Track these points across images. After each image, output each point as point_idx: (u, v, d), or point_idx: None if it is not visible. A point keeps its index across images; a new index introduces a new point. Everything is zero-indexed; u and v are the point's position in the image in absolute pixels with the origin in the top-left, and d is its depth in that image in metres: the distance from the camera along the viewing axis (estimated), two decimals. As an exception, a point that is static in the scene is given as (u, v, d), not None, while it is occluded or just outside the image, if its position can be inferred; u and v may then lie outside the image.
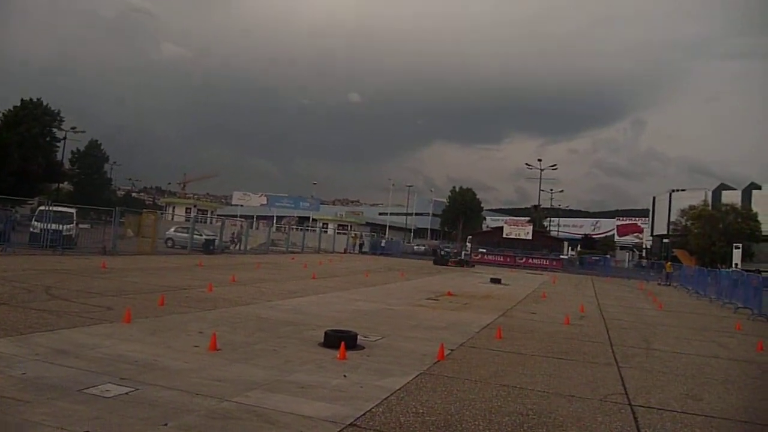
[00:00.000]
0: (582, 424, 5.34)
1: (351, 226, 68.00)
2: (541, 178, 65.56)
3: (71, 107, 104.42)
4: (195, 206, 66.27)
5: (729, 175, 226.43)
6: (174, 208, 64.60)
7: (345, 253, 47.45)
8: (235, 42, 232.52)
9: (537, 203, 79.37)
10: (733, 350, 10.77)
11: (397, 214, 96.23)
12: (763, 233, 56.49)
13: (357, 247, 51.85)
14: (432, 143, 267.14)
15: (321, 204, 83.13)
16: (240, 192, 73.93)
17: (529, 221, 65.28)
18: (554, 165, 66.24)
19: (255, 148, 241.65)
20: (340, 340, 7.63)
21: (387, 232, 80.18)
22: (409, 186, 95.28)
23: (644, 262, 59.81)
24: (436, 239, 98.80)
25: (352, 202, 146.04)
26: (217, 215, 64.15)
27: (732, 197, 64.44)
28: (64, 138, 56.40)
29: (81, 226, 24.87)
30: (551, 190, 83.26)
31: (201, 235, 31.23)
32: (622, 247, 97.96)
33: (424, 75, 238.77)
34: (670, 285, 33.35)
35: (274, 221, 65.70)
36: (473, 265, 40.35)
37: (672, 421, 5.65)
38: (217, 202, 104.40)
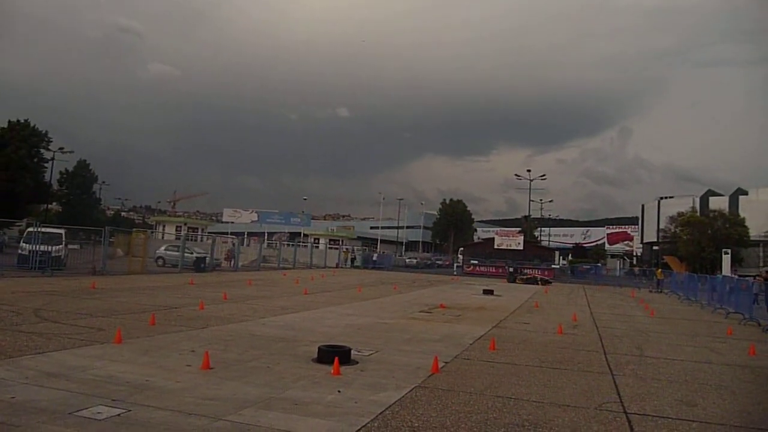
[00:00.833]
0: (578, 434, 5.34)
1: (342, 241, 67.84)
2: (530, 189, 65.79)
3: (59, 128, 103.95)
4: (185, 224, 65.91)
5: (715, 182, 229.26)
6: (164, 226, 64.17)
7: (337, 267, 47.31)
8: (222, 60, 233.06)
9: (527, 213, 79.69)
10: (726, 355, 10.82)
11: (389, 227, 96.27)
12: (752, 238, 57.05)
13: (349, 262, 51.73)
14: (421, 156, 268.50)
15: (312, 219, 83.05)
16: (230, 209, 73.73)
17: (519, 232, 65.43)
18: (543, 175, 66.57)
19: (244, 165, 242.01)
20: (333, 355, 7.58)
21: (378, 246, 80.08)
22: (400, 199, 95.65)
23: (636, 269, 60.08)
24: (427, 252, 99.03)
25: (343, 216, 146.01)
26: (208, 233, 63.84)
27: (719, 203, 65.11)
28: (52, 158, 56.12)
29: (70, 246, 24.65)
30: (541, 200, 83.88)
31: (192, 253, 31.02)
32: (613, 256, 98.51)
33: (411, 89, 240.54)
34: (661, 292, 33.53)
35: (265, 237, 65.45)
36: (549, 282, 36.94)
37: (667, 428, 5.66)
38: (207, 220, 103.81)
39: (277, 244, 51.02)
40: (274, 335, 10.14)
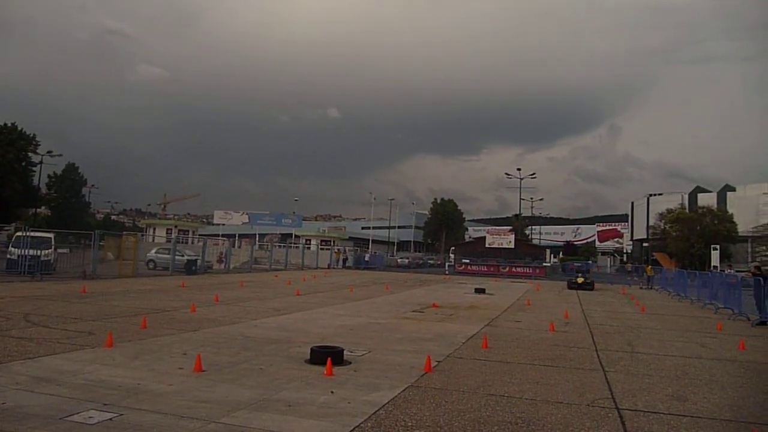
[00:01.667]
0: (571, 430, 5.37)
1: (334, 242, 67.68)
2: (521, 187, 66.22)
3: (47, 130, 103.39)
4: (176, 227, 65.52)
5: (704, 178, 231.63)
6: (155, 229, 63.73)
7: (329, 268, 47.24)
8: (212, 61, 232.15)
9: (518, 212, 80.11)
10: (716, 350, 10.91)
11: (380, 227, 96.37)
12: (740, 234, 57.60)
13: (341, 263, 51.67)
14: (412, 156, 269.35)
15: (303, 220, 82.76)
16: (221, 211, 73.39)
17: (510, 230, 65.76)
18: (533, 174, 66.96)
19: (235, 166, 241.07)
20: (326, 356, 7.58)
21: (370, 246, 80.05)
22: (391, 199, 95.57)
23: (629, 266, 60.49)
24: (419, 251, 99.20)
25: (335, 217, 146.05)
26: (199, 235, 63.52)
27: (707, 200, 65.82)
28: (41, 162, 55.74)
29: (60, 250, 24.44)
30: (532, 198, 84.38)
31: (183, 255, 30.86)
32: (604, 253, 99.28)
33: (402, 89, 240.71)
34: (651, 288, 33.74)
35: (257, 239, 65.27)
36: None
37: (659, 423, 5.71)
38: (198, 222, 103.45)
39: (269, 246, 50.87)
40: (267, 337, 10.11)
